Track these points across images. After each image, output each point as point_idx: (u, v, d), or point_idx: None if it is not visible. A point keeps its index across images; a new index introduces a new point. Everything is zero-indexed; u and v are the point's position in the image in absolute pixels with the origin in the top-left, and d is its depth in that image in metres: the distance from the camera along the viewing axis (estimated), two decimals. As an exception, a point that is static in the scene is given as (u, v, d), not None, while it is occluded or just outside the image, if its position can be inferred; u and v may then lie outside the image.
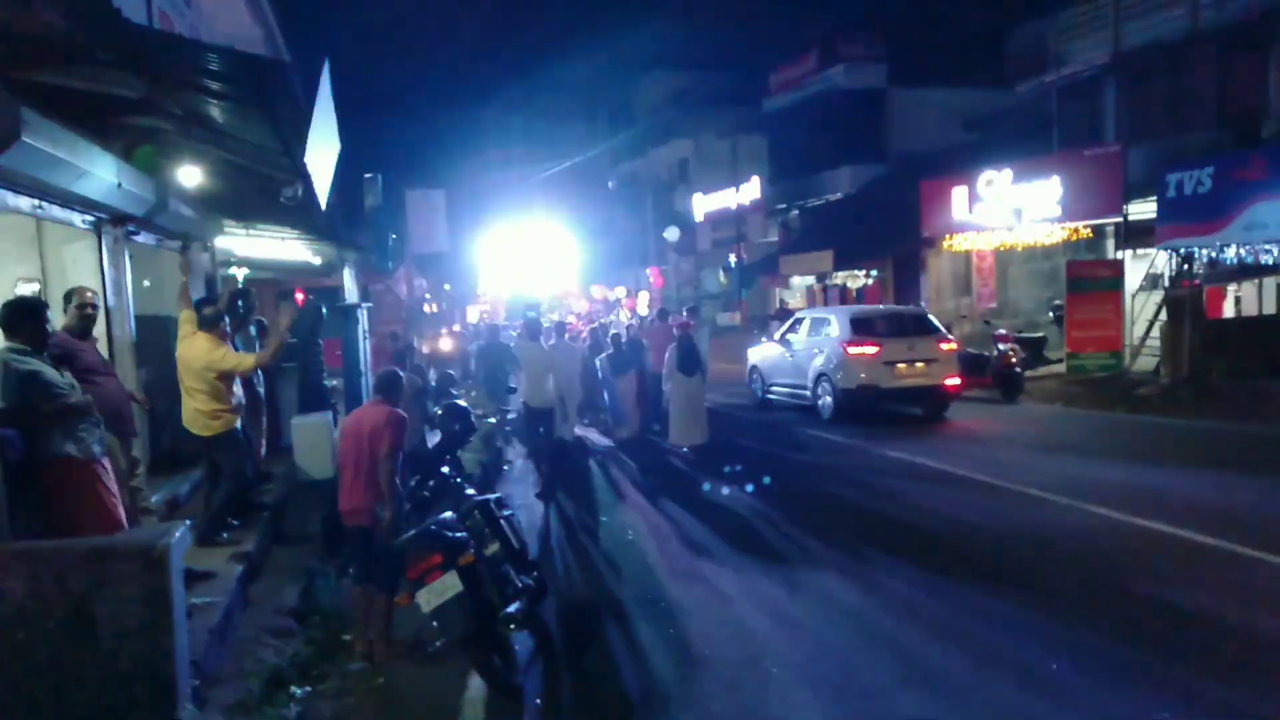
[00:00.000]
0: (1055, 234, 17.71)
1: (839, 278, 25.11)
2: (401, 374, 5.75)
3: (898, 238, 21.82)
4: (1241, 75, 15.92)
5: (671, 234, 31.87)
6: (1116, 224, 16.89)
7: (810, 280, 27.64)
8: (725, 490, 9.23)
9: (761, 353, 15.87)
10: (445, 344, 22.53)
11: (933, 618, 5.39)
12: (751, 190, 30.73)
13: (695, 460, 10.88)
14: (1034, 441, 11.20)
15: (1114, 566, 6.16)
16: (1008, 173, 18.28)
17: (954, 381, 13.11)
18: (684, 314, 14.66)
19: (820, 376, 13.42)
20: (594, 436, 13.12)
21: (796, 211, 30.27)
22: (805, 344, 14.07)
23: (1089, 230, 17.50)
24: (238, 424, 6.73)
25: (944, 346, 13.19)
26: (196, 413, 6.50)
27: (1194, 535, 6.66)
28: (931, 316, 14.27)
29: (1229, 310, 16.78)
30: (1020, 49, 22.18)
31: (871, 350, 12.84)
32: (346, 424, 5.47)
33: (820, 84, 28.15)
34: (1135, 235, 16.24)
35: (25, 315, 4.62)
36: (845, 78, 27.42)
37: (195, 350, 6.42)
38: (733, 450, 11.11)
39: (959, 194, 19.15)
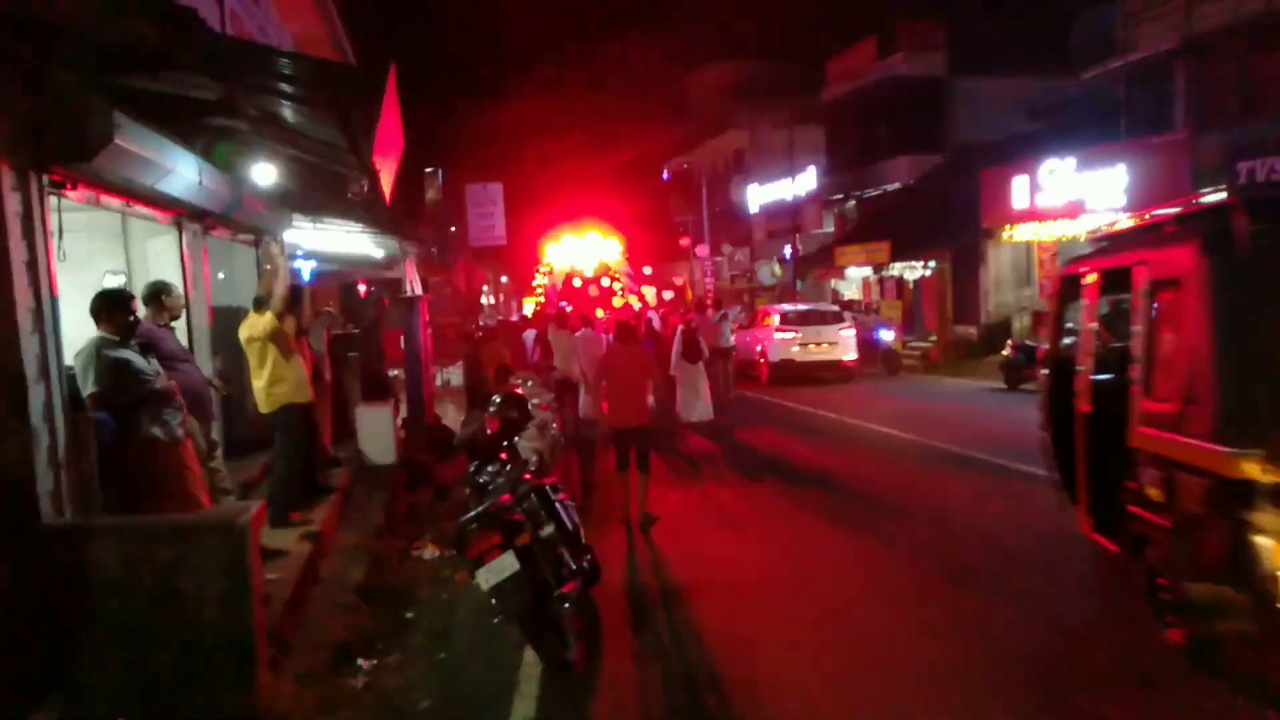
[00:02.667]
0: (1121, 224, 17.27)
1: (895, 269, 24.85)
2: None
3: (956, 229, 21.51)
4: (1320, 59, 15.34)
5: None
6: (1185, 214, 16.44)
7: (866, 271, 27.39)
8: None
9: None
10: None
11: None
12: (807, 181, 30.53)
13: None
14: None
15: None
16: (1071, 161, 17.90)
17: (851, 358, 18.55)
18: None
19: (759, 353, 18.79)
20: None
21: (853, 202, 29.99)
22: (759, 330, 19.20)
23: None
24: (294, 402, 6.90)
25: (844, 333, 18.61)
26: (257, 390, 6.85)
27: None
28: (841, 311, 20.07)
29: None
30: (1086, 35, 21.62)
31: (791, 335, 18.39)
32: (614, 362, 8.05)
33: (878, 73, 27.81)
34: (1204, 225, 15.79)
35: (116, 305, 4.95)
36: (904, 66, 27.04)
37: (242, 327, 6.81)
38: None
39: (1020, 183, 18.81)
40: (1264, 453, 3.85)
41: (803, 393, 16.82)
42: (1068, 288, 6.33)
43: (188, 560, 4.20)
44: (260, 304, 6.85)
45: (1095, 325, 5.82)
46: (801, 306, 20.12)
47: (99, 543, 4.19)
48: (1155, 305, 4.77)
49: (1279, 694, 4.11)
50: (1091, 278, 5.78)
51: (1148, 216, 5.37)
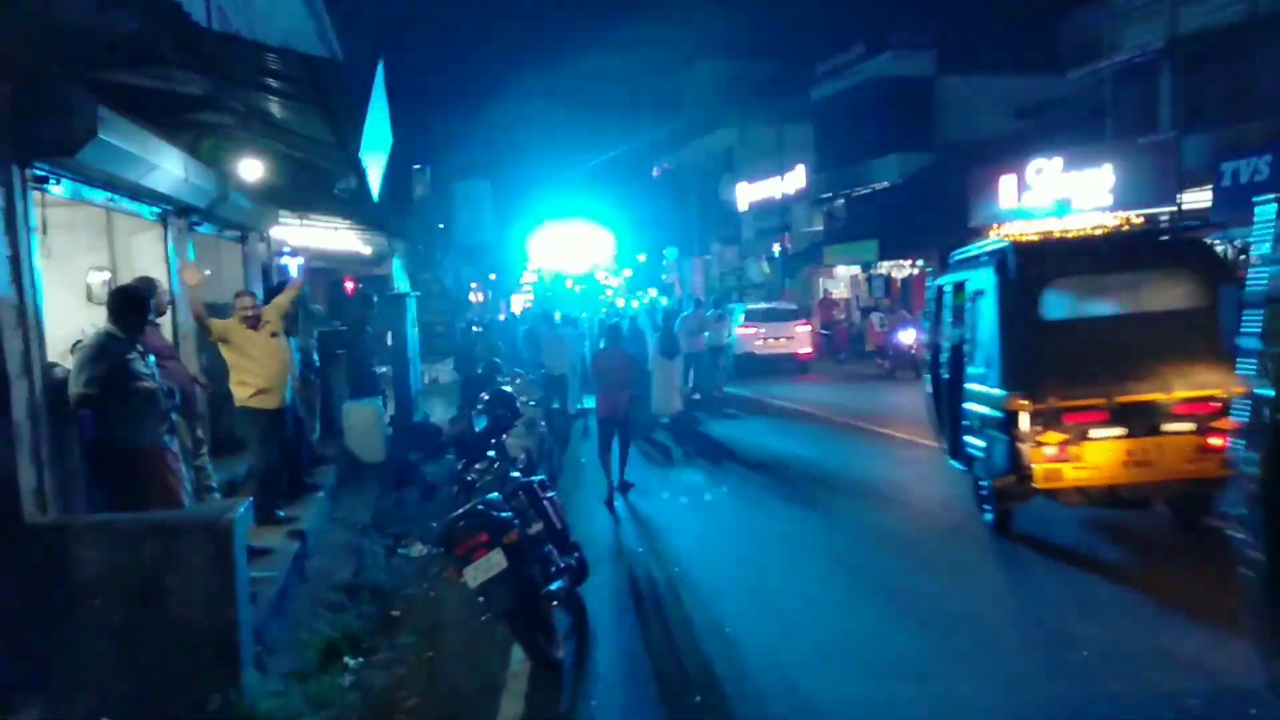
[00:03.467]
0: (1106, 223, 17.38)
1: (884, 267, 24.93)
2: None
3: (945, 227, 21.55)
4: (1304, 60, 15.45)
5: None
6: (1171, 213, 16.52)
7: (855, 270, 27.46)
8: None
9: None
10: None
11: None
12: (796, 179, 30.56)
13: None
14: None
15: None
16: (1058, 161, 17.99)
17: (806, 350, 20.49)
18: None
19: (728, 345, 19.17)
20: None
21: (842, 200, 30.03)
22: (728, 326, 19.95)
23: (1141, 219, 17.14)
24: (252, 408, 6.83)
25: (800, 329, 20.60)
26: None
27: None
28: (798, 309, 22.12)
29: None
30: (1073, 35, 21.72)
31: (754, 331, 20.21)
32: (603, 363, 9.31)
33: (867, 72, 27.85)
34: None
35: (132, 304, 4.88)
36: (893, 65, 27.08)
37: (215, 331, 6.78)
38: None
39: (1007, 182, 18.90)
40: (1028, 396, 6.30)
41: (767, 382, 18.10)
42: (935, 295, 8.60)
43: (173, 558, 4.18)
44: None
45: (949, 319, 8.07)
46: (765, 305, 22.02)
47: (83, 541, 4.17)
48: (973, 307, 7.24)
49: (1039, 540, 6.72)
50: (947, 288, 8.20)
51: (972, 251, 7.77)
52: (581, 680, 4.84)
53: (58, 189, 4.76)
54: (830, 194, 30.20)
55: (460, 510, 4.85)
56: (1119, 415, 6.15)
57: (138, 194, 5.94)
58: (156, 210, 6.61)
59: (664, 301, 27.20)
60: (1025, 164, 18.52)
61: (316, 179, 8.31)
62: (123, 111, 4.80)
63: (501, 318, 29.47)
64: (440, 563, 6.44)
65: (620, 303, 23.85)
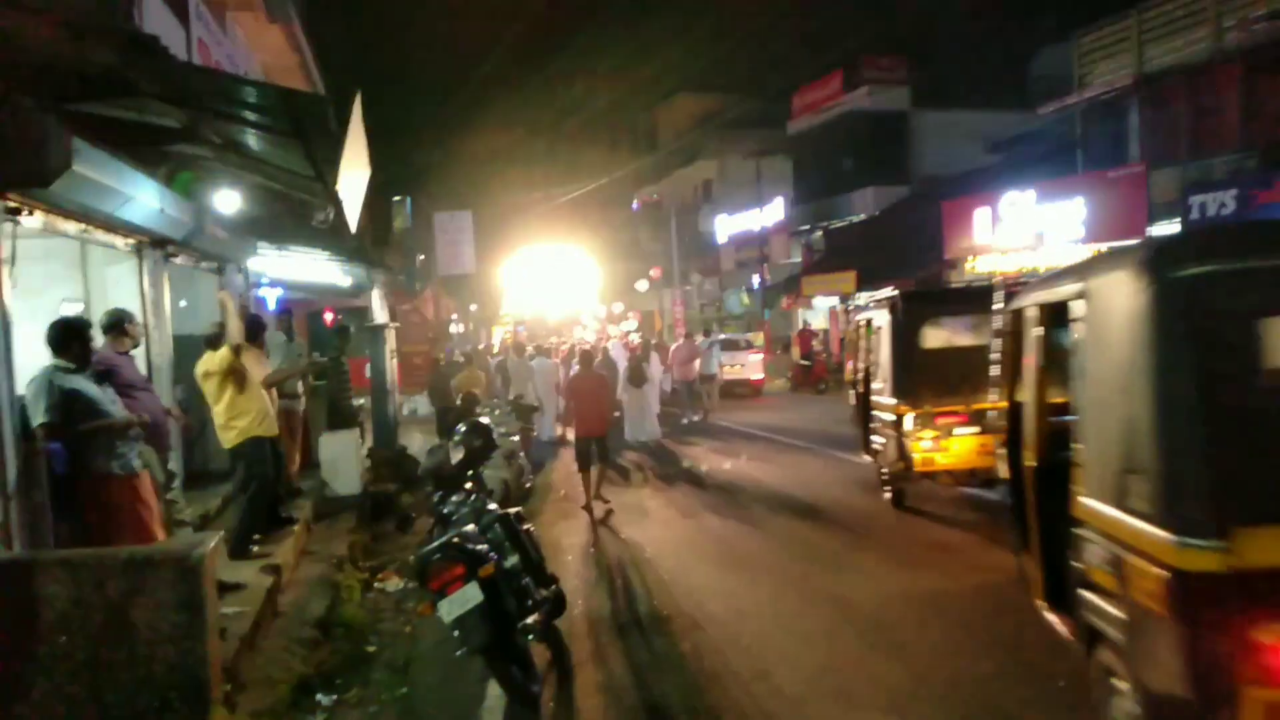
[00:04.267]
0: (1079, 255, 17.67)
1: (861, 299, 25.14)
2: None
3: (920, 259, 21.83)
4: (1266, 97, 15.86)
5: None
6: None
7: (833, 301, 27.68)
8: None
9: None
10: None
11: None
12: (775, 211, 30.90)
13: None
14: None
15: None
16: (1031, 194, 18.30)
17: (758, 377, 22.88)
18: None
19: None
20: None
21: (819, 232, 30.36)
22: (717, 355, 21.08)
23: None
24: (258, 435, 6.86)
25: (753, 358, 23.07)
26: (218, 426, 6.77)
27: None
28: (751, 340, 24.58)
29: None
30: (1044, 71, 22.25)
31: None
32: (579, 386, 10.04)
33: (844, 106, 28.32)
34: (1160, 257, 16.18)
35: (72, 334, 4.86)
36: (869, 100, 27.57)
37: (200, 366, 6.74)
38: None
39: (981, 215, 19.18)
40: (908, 402, 8.38)
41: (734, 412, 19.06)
42: (854, 328, 10.67)
43: (141, 594, 4.10)
44: (212, 342, 6.79)
45: (864, 347, 9.88)
46: (722, 336, 23.67)
47: (49, 576, 4.08)
48: (876, 338, 9.32)
49: (928, 511, 8.78)
50: (861, 322, 10.06)
51: (880, 296, 9.77)
52: (559, 715, 4.77)
53: (30, 220, 4.73)
54: (808, 226, 30.53)
55: (435, 543, 4.80)
56: (973, 418, 8.13)
57: (112, 225, 5.92)
58: (131, 242, 6.58)
59: (636, 334, 27.67)
60: (999, 197, 18.82)
61: (295, 210, 8.32)
62: (98, 143, 4.79)
63: (481, 347, 29.41)
64: (416, 597, 6.37)
65: (598, 334, 24.20)
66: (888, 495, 9.14)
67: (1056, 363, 4.34)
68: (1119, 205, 16.56)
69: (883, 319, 9.03)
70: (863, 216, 27.94)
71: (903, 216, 25.43)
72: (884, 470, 9.19)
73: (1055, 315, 4.28)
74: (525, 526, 5.48)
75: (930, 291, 10.42)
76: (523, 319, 35.08)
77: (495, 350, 26.48)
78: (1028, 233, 18.23)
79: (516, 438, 12.83)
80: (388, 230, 16.99)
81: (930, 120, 27.31)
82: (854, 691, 4.77)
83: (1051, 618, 4.39)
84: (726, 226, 34.37)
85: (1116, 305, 3.40)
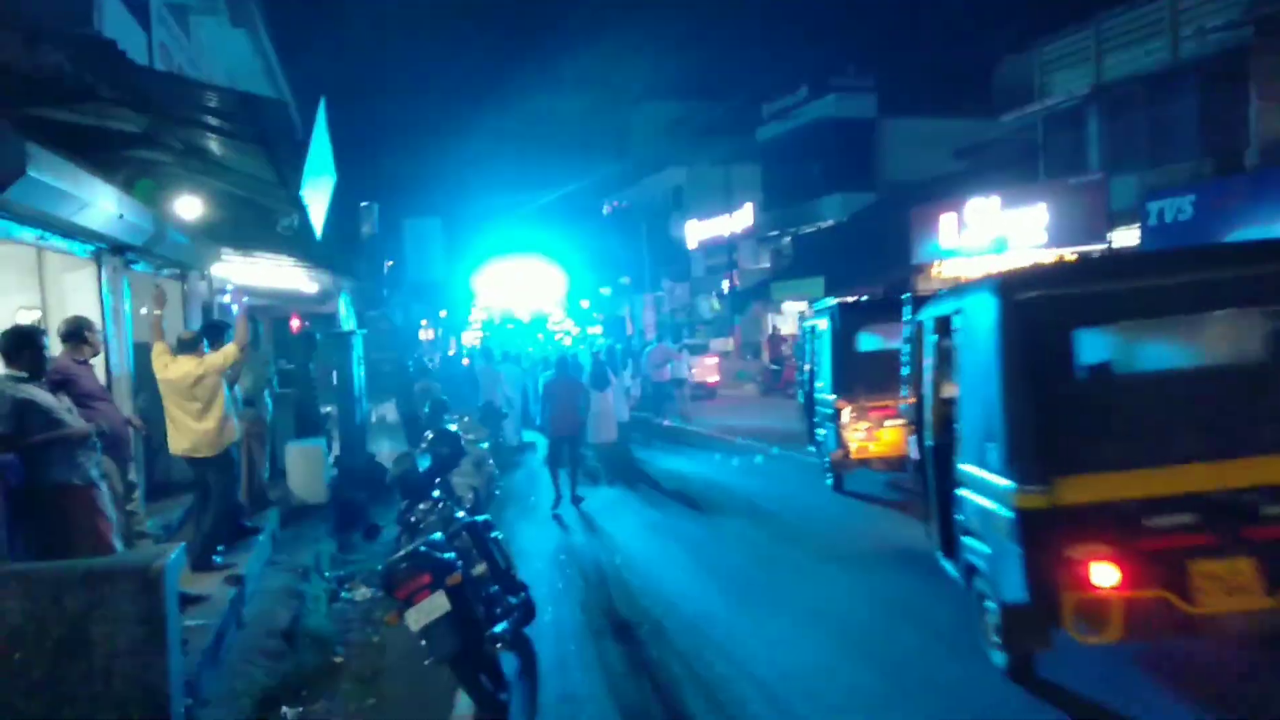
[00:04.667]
0: (1042, 261, 17.95)
1: (808, 309, 25.39)
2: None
3: (888, 264, 22.05)
4: (1221, 105, 16.23)
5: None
6: (1102, 251, 17.14)
7: (802, 306, 27.88)
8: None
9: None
10: None
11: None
12: (744, 217, 31.06)
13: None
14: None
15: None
16: (995, 200, 18.55)
17: (714, 379, 23.92)
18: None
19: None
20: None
21: (788, 238, 30.56)
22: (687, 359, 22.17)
23: (1075, 257, 17.75)
24: (232, 445, 6.81)
25: (709, 361, 24.19)
26: (196, 434, 6.59)
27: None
28: (709, 344, 26.16)
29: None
30: (1007, 80, 22.57)
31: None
32: (554, 388, 10.59)
33: (812, 113, 28.57)
34: (1120, 262, 16.48)
35: (24, 343, 4.74)
36: (836, 107, 27.84)
37: (182, 370, 6.55)
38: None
39: (947, 221, 19.41)
40: (845, 398, 9.51)
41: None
42: (802, 334, 12.36)
43: (100, 608, 4.02)
44: (189, 347, 6.66)
45: (810, 351, 11.24)
46: (684, 342, 24.73)
47: (4, 591, 3.99)
48: (820, 343, 10.62)
49: (867, 496, 9.86)
50: (807, 329, 11.68)
51: (818, 306, 11.66)
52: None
53: (-16, 227, 4.64)
54: (777, 232, 30.73)
55: (402, 552, 4.76)
56: (901, 411, 8.37)
57: (70, 232, 5.81)
58: (90, 248, 6.46)
59: (600, 340, 27.94)
60: (964, 203, 19.07)
61: (259, 216, 8.21)
62: (54, 148, 4.70)
63: (451, 353, 29.23)
64: (384, 606, 6.30)
65: (567, 340, 24.36)
66: (829, 482, 10.26)
67: (945, 362, 5.46)
68: (1080, 212, 16.84)
69: (824, 326, 10.35)
70: (831, 222, 28.17)
71: (870, 222, 25.68)
72: (826, 459, 10.29)
73: (943, 326, 5.44)
74: (493, 534, 5.46)
75: (863, 303, 11.36)
76: (487, 329, 35.02)
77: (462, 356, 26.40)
78: (993, 238, 18.48)
79: (485, 445, 12.78)
80: (355, 236, 16.84)
81: (897, 127, 27.63)
82: (822, 693, 4.80)
83: (946, 564, 5.56)
84: (696, 232, 34.47)
85: (979, 319, 4.61)
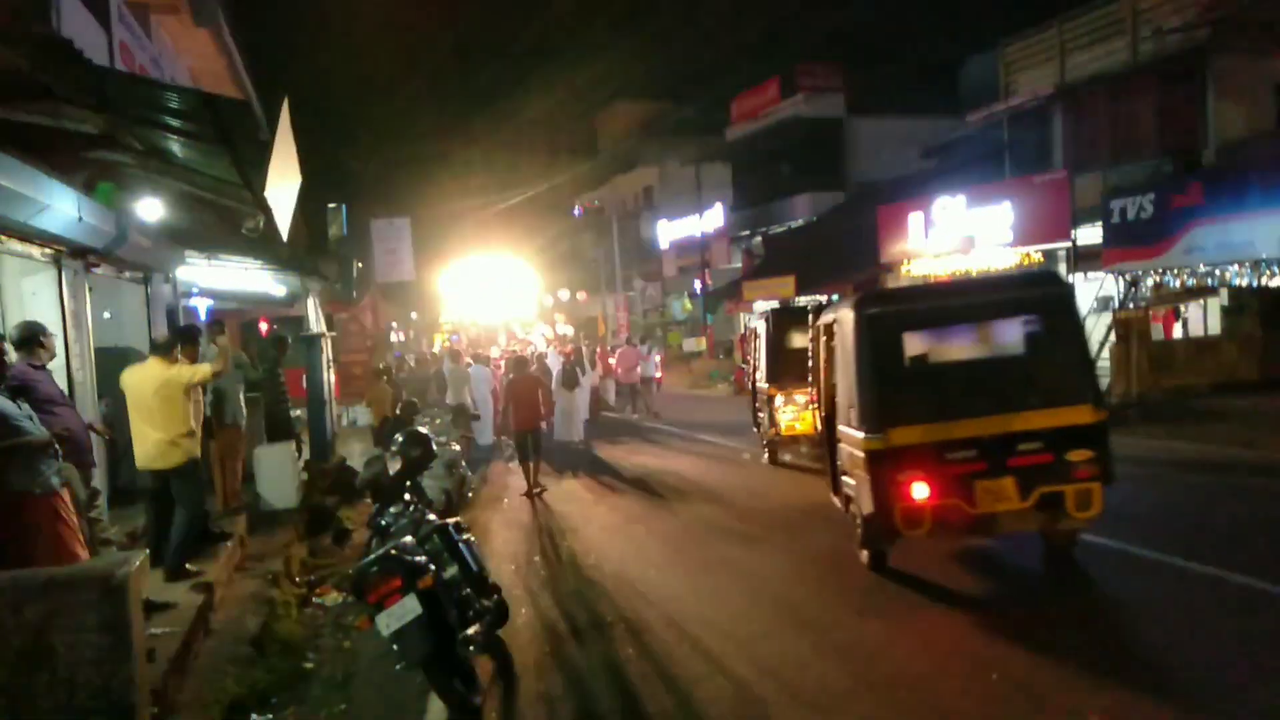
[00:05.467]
0: (1008, 259, 18.20)
1: (801, 302, 25.50)
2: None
3: (857, 263, 22.22)
4: (1179, 105, 16.57)
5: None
6: (1066, 248, 17.41)
7: (774, 305, 28.04)
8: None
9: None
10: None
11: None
12: (715, 217, 31.17)
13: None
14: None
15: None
16: (961, 199, 18.76)
17: (658, 375, 23.40)
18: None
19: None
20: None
21: (759, 238, 30.72)
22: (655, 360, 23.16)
23: (1040, 255, 18.01)
24: (197, 453, 6.73)
25: (656, 358, 23.71)
26: (156, 444, 6.50)
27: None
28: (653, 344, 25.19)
29: (1177, 331, 17.29)
30: (973, 80, 22.88)
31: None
32: (516, 387, 11.43)
33: (780, 113, 28.74)
34: (1085, 259, 16.75)
35: None
36: (805, 107, 28.03)
37: (148, 374, 6.44)
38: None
39: (915, 220, 19.60)
40: (776, 385, 11.41)
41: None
42: (747, 335, 14.91)
43: (61, 617, 3.95)
44: (163, 350, 6.57)
45: (754, 349, 13.14)
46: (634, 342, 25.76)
47: (-39, 602, 3.90)
48: (758, 341, 12.68)
49: (794, 464, 11.60)
50: (749, 330, 14.33)
51: (769, 310, 13.41)
52: (501, 726, 4.73)
53: (-63, 230, 4.54)
54: (748, 231, 30.88)
55: (372, 556, 4.72)
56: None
57: (28, 235, 5.69)
58: (49, 252, 6.34)
59: (571, 342, 28.05)
60: (931, 202, 19.27)
61: (224, 218, 8.11)
62: (10, 149, 4.60)
63: (425, 354, 29.04)
64: (356, 611, 6.25)
65: (530, 342, 24.39)
66: (765, 458, 12.04)
67: (830, 357, 7.46)
68: (1044, 210, 17.08)
69: (762, 328, 12.47)
70: (801, 222, 28.35)
71: (840, 221, 25.87)
72: (764, 436, 12.11)
73: (828, 331, 7.49)
74: (465, 536, 5.42)
75: (792, 308, 14.30)
76: (457, 329, 34.81)
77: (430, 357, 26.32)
78: (959, 237, 18.69)
79: (457, 446, 12.71)
80: (323, 238, 16.68)
81: (865, 127, 27.88)
82: (799, 689, 4.83)
83: (835, 500, 7.56)
84: (668, 232, 34.54)
85: (846, 326, 6.67)
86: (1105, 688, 4.48)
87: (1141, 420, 13.21)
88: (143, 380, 6.43)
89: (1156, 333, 16.62)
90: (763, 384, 12.01)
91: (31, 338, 5.38)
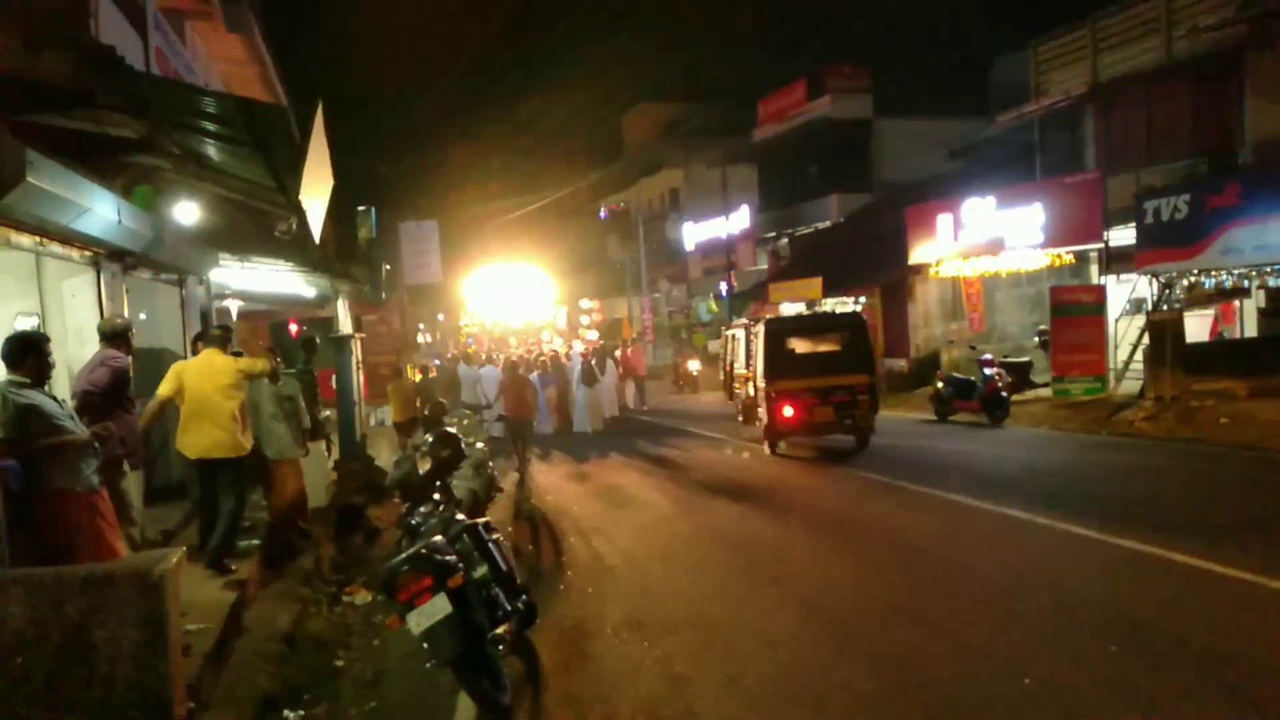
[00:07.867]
0: (1039, 260, 17.99)
1: (828, 304, 25.36)
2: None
3: (885, 265, 22.08)
4: (1215, 105, 16.29)
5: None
6: (1098, 250, 17.18)
7: (800, 307, 27.89)
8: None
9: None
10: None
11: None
12: (741, 219, 31.09)
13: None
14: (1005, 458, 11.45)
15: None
16: (991, 200, 18.59)
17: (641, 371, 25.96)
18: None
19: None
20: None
21: (785, 239, 30.60)
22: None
23: (1071, 256, 17.79)
24: (249, 446, 6.85)
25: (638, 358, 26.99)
26: (213, 434, 6.57)
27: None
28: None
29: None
30: (1003, 80, 22.62)
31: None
32: (507, 385, 13.73)
33: (808, 115, 28.61)
34: (1117, 261, 16.52)
35: (27, 349, 4.76)
36: (832, 108, 27.87)
37: (216, 367, 6.56)
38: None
39: (944, 221, 19.44)
40: (749, 371, 15.05)
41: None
42: (729, 336, 17.64)
43: (100, 612, 4.02)
44: (220, 343, 6.73)
45: (740, 349, 16.02)
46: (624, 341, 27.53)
47: (6, 596, 3.99)
48: (745, 343, 15.59)
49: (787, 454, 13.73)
50: (728, 335, 17.61)
51: (754, 317, 17.30)
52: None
53: (-17, 233, 4.65)
54: (774, 233, 30.76)
55: (403, 555, 4.77)
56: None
57: (69, 238, 5.81)
58: (89, 254, 6.47)
59: (585, 344, 28.81)
60: (960, 203, 19.10)
61: (257, 221, 8.22)
62: (53, 154, 4.71)
63: (449, 356, 29.26)
64: (385, 610, 6.31)
65: (548, 344, 24.75)
66: (741, 419, 15.50)
67: (749, 352, 14.52)
68: (1076, 211, 16.88)
69: (739, 333, 16.17)
70: (827, 223, 28.20)
71: (867, 223, 25.72)
72: (740, 405, 15.54)
73: (751, 332, 14.69)
74: (494, 536, 5.46)
75: (785, 318, 17.03)
76: (473, 331, 35.07)
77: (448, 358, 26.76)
78: (989, 238, 18.51)
79: (483, 445, 12.80)
80: (353, 241, 16.88)
81: (893, 128, 27.68)
82: (824, 695, 4.81)
83: (740, 421, 15.33)
84: (694, 234, 34.50)
85: (756, 333, 14.29)
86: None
87: (1175, 422, 13.01)
88: (202, 370, 6.55)
89: (1204, 331, 16.32)
90: (741, 371, 15.72)
91: (126, 329, 5.49)
